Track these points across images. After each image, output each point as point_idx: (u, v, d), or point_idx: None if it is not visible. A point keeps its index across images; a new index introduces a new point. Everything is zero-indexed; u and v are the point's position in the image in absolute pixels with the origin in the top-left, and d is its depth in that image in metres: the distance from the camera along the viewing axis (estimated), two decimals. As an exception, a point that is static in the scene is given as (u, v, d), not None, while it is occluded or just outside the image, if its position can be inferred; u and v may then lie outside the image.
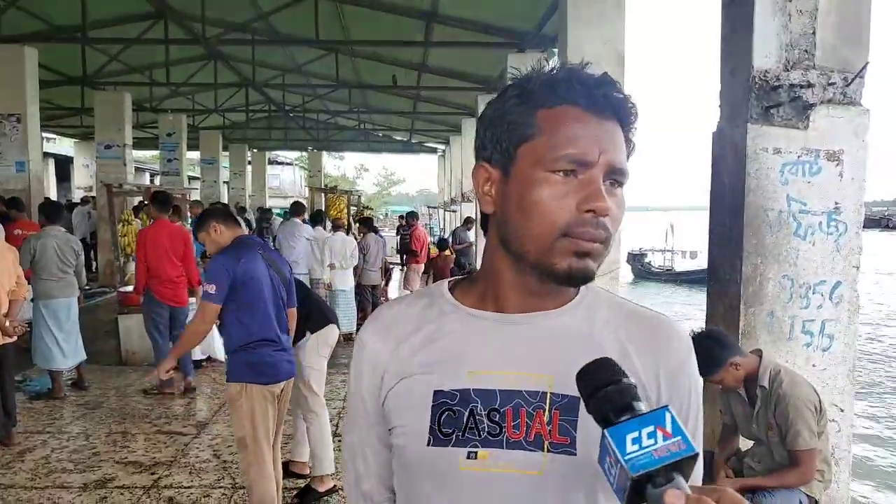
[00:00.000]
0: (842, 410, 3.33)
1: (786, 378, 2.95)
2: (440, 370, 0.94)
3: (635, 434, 0.69)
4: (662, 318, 1.00)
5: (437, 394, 0.93)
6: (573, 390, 0.81)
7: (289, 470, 4.35)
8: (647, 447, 0.68)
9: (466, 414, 0.91)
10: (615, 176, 0.90)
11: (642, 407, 0.72)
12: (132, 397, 6.11)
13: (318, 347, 4.10)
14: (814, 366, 3.30)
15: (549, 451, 0.89)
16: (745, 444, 3.30)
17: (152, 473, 4.40)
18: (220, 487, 4.20)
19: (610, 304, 1.00)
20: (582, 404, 0.78)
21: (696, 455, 0.69)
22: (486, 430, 0.90)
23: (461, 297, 1.01)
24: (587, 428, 0.86)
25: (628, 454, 0.68)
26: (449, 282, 1.06)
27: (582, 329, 0.95)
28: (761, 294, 3.30)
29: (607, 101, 0.90)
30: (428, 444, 0.92)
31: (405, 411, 0.96)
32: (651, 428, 0.69)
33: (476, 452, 0.90)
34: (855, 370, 3.38)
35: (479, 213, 1.03)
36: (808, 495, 2.95)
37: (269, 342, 3.41)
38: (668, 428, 0.69)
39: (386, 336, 1.01)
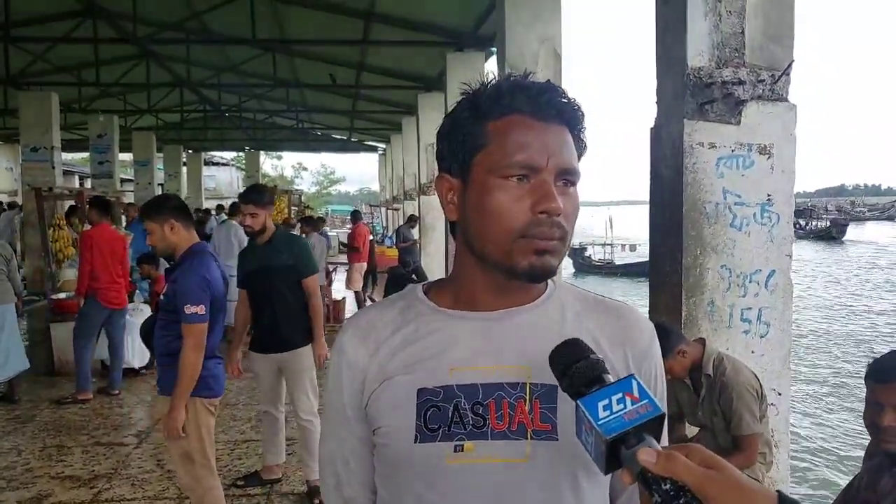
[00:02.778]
0: (780, 394, 3.45)
1: (728, 365, 3.05)
2: (422, 369, 0.98)
3: (605, 402, 0.74)
4: (626, 307, 1.07)
5: (422, 391, 0.96)
6: (551, 379, 0.87)
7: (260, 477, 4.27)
8: (617, 412, 0.73)
9: (451, 409, 0.95)
10: (566, 176, 0.96)
11: (610, 379, 0.78)
12: (67, 408, 5.88)
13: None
14: (753, 352, 3.42)
15: (532, 438, 0.93)
16: (690, 430, 3.39)
17: (92, 487, 4.24)
18: (165, 498, 4.09)
19: (577, 296, 1.07)
20: (560, 391, 0.84)
21: (664, 416, 0.74)
22: (471, 423, 0.94)
23: (436, 299, 1.05)
24: (566, 413, 0.92)
25: (601, 419, 0.73)
26: (423, 285, 1.10)
27: (554, 321, 1.01)
28: (701, 284, 3.40)
29: (551, 107, 0.96)
30: (415, 441, 0.95)
31: (390, 411, 0.98)
32: (620, 395, 0.75)
33: (462, 445, 0.94)
34: (791, 355, 3.52)
35: (446, 220, 1.08)
36: (751, 477, 3.05)
37: (218, 357, 3.32)
38: (636, 393, 0.74)
39: (365, 340, 1.04)
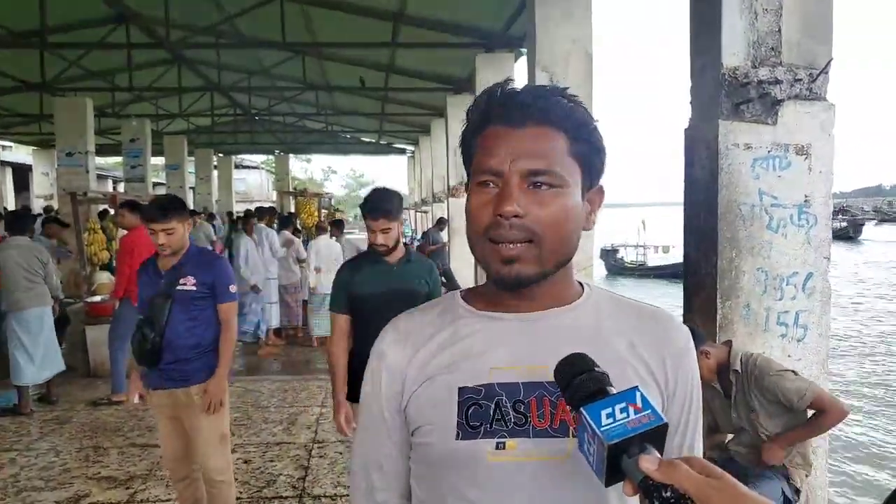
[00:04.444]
0: (817, 400, 3.38)
1: (758, 357, 3.05)
2: (462, 368, 0.99)
3: (609, 410, 0.76)
4: (661, 311, 1.09)
5: (462, 390, 0.98)
6: None
7: None
8: (620, 420, 0.75)
9: (492, 407, 0.96)
10: (535, 178, 0.96)
11: (614, 391, 0.80)
12: (103, 410, 5.98)
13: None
14: (789, 356, 3.35)
15: (574, 436, 0.93)
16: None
17: (127, 488, 4.30)
18: (199, 499, 4.12)
19: (612, 300, 1.09)
20: None
21: (666, 426, 0.76)
22: (513, 420, 0.95)
23: (473, 303, 1.08)
24: None
25: (603, 426, 0.75)
26: (462, 291, 1.13)
27: (591, 324, 1.03)
28: (737, 287, 3.35)
29: (519, 110, 0.97)
30: (457, 438, 0.96)
31: (431, 410, 0.99)
32: (623, 404, 0.77)
33: (504, 443, 0.95)
34: (829, 360, 3.44)
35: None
36: (789, 482, 3.00)
37: None
38: (639, 403, 0.76)
39: (404, 344, 1.06)
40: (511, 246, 0.95)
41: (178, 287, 3.25)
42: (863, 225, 48.19)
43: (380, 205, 3.15)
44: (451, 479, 0.98)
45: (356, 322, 3.23)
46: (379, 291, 3.13)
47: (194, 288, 3.24)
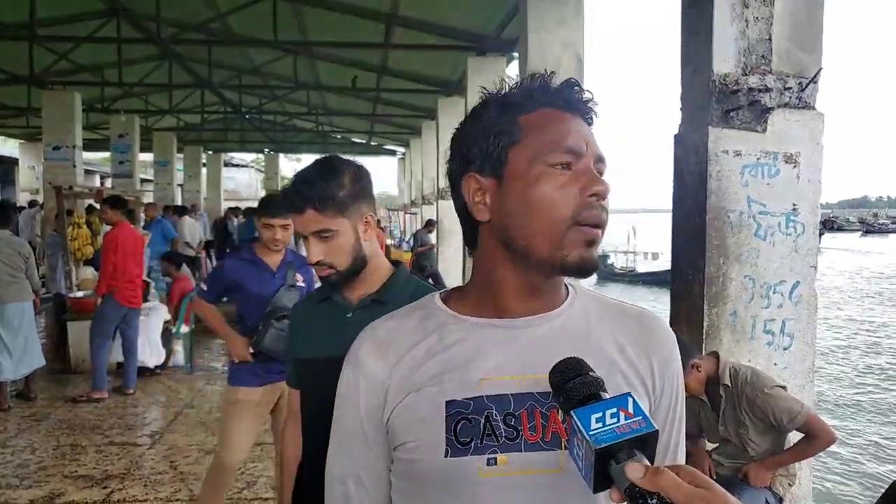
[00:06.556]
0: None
1: (748, 372, 3.01)
2: (449, 380, 0.94)
3: (599, 415, 0.75)
4: (647, 313, 1.07)
5: (450, 404, 0.93)
6: None
7: None
8: (610, 425, 0.74)
9: (482, 421, 0.92)
10: (600, 164, 0.97)
11: (607, 396, 0.78)
12: (81, 407, 5.90)
13: None
14: (775, 364, 3.35)
15: (566, 448, 0.90)
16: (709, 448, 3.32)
17: (104, 487, 4.24)
18: (177, 500, 4.07)
19: (598, 302, 1.05)
20: None
21: (657, 433, 0.75)
22: (504, 434, 0.92)
23: (457, 307, 1.02)
24: None
25: (592, 430, 0.74)
26: (441, 293, 1.07)
27: (580, 328, 0.99)
28: (724, 294, 3.34)
29: (577, 101, 0.98)
30: (445, 455, 0.91)
31: (416, 425, 0.94)
32: (614, 409, 0.75)
33: (496, 458, 0.91)
34: (814, 369, 3.44)
35: (463, 224, 1.05)
36: (773, 493, 2.99)
37: None
38: (630, 409, 0.75)
39: (384, 353, 1.00)
40: (597, 230, 0.93)
41: (297, 284, 3.42)
42: (822, 234, 49.94)
43: (296, 189, 1.72)
44: (439, 496, 0.93)
45: (301, 401, 1.89)
46: (322, 357, 1.59)
47: (304, 285, 3.43)
